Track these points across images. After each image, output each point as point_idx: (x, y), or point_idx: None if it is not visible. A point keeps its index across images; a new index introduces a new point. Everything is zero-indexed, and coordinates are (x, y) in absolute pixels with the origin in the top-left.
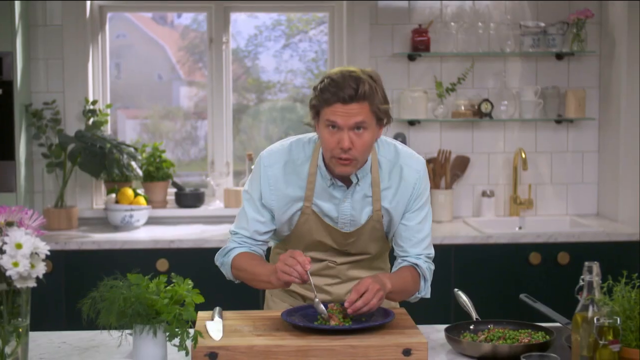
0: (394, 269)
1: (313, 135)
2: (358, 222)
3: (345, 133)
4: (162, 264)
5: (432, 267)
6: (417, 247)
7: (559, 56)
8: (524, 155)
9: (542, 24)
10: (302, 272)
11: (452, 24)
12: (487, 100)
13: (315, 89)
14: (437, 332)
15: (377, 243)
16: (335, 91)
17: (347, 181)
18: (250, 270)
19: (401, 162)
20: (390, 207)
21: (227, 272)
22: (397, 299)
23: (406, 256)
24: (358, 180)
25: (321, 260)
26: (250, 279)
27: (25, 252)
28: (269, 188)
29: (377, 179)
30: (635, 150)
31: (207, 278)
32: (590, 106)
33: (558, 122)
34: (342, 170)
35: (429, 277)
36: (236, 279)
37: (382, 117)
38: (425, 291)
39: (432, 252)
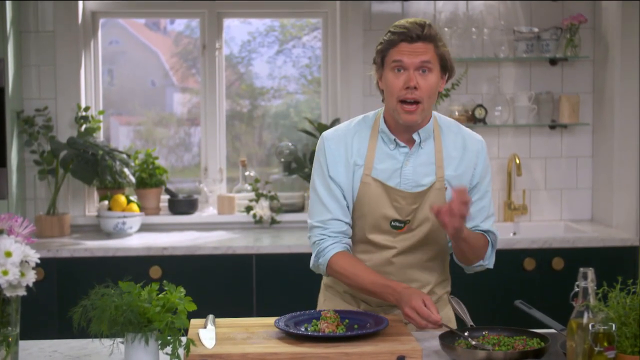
0: None
1: (374, 111)
2: (421, 187)
3: (412, 73)
4: (155, 271)
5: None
6: (487, 222)
7: (553, 61)
8: (518, 161)
9: (536, 30)
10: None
11: (446, 29)
12: (480, 105)
13: (382, 39)
14: (431, 339)
15: (440, 227)
16: (402, 32)
17: (410, 143)
18: (356, 280)
19: (463, 133)
20: (455, 176)
21: (322, 272)
22: (468, 252)
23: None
24: (421, 140)
25: (381, 247)
26: (353, 285)
27: (15, 261)
28: (333, 157)
29: (439, 145)
30: (630, 155)
31: (200, 285)
32: (584, 111)
33: (552, 127)
34: (407, 118)
35: (496, 246)
36: (330, 276)
37: (446, 65)
38: (490, 260)
39: (497, 231)
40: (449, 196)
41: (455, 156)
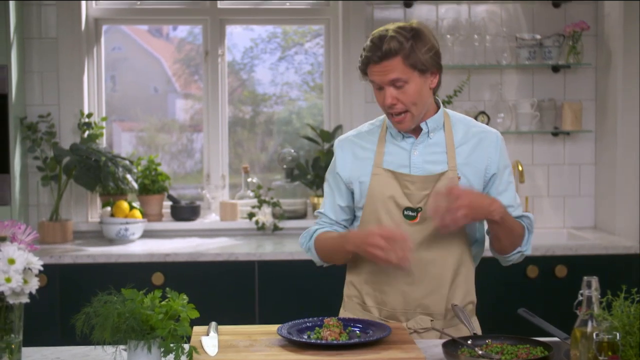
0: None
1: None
2: (431, 173)
3: (387, 90)
4: (158, 278)
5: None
6: (517, 211)
7: (555, 68)
8: (520, 168)
9: (538, 36)
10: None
11: (448, 36)
12: (483, 112)
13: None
14: (434, 347)
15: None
16: (367, 54)
17: (416, 133)
18: (328, 244)
19: (477, 125)
20: (466, 163)
21: (314, 257)
22: (504, 239)
23: None
24: (429, 129)
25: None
26: (330, 253)
27: (18, 268)
28: (343, 157)
29: (450, 136)
30: (632, 162)
31: (202, 292)
32: (587, 118)
33: (555, 134)
34: (398, 127)
35: (532, 230)
36: (324, 261)
37: (424, 68)
38: (527, 246)
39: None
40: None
41: (467, 146)
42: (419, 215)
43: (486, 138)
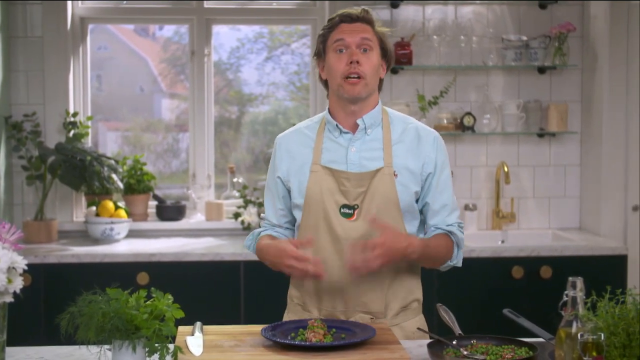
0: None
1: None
2: (367, 169)
3: (354, 50)
4: (143, 278)
5: (463, 236)
6: (452, 216)
7: (541, 70)
8: (506, 169)
9: (525, 38)
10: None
11: (435, 37)
12: (469, 113)
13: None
14: (419, 348)
15: (392, 214)
16: (341, 14)
17: (353, 129)
18: (265, 252)
19: (416, 125)
20: (405, 164)
21: (253, 251)
22: (429, 265)
23: (441, 225)
24: (366, 125)
25: (335, 239)
26: (270, 264)
27: (2, 267)
28: (281, 155)
29: (388, 134)
30: (617, 163)
31: (187, 292)
32: (573, 120)
33: (540, 135)
34: (351, 90)
35: (462, 245)
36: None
37: (385, 47)
38: (458, 259)
39: (462, 221)
40: (400, 185)
41: (404, 144)
42: (355, 212)
43: (424, 137)
